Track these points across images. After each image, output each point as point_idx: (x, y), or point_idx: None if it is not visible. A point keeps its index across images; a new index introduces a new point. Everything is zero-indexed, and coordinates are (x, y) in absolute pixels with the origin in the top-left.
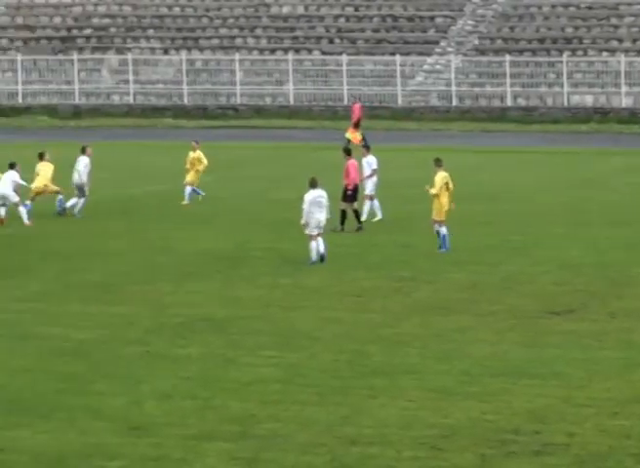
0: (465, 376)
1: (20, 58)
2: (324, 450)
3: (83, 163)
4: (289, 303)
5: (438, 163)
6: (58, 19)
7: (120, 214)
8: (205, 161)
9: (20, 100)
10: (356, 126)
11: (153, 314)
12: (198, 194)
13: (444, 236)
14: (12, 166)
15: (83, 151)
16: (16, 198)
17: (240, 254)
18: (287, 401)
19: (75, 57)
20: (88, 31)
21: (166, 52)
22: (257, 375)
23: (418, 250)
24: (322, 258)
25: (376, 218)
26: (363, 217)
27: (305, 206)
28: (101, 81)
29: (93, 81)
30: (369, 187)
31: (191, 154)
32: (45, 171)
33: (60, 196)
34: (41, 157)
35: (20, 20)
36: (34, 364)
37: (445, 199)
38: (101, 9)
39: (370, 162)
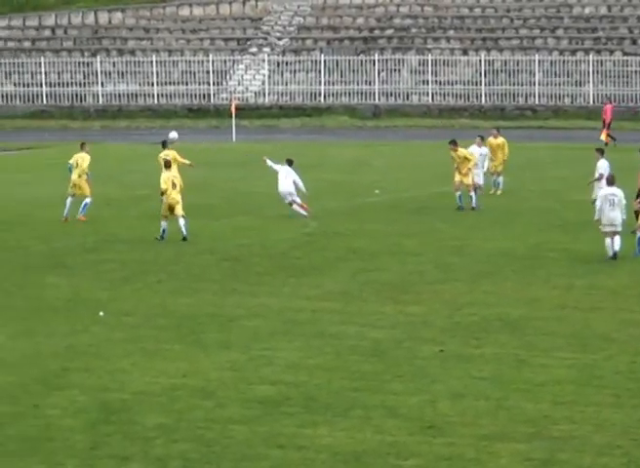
0: None
1: (323, 58)
2: (620, 453)
3: None
4: (585, 304)
5: None
6: (360, 20)
7: (416, 213)
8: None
9: (322, 100)
10: (608, 126)
11: (448, 314)
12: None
13: None
14: (290, 162)
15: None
16: (295, 197)
17: (535, 255)
18: (582, 402)
19: (376, 57)
20: (389, 32)
21: (465, 52)
22: (551, 376)
23: None
24: (614, 256)
25: None
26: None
27: (598, 202)
28: (401, 81)
29: (392, 81)
30: (595, 192)
31: (492, 141)
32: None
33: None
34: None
35: (324, 21)
36: (331, 362)
37: None
38: (403, 9)
39: (599, 166)
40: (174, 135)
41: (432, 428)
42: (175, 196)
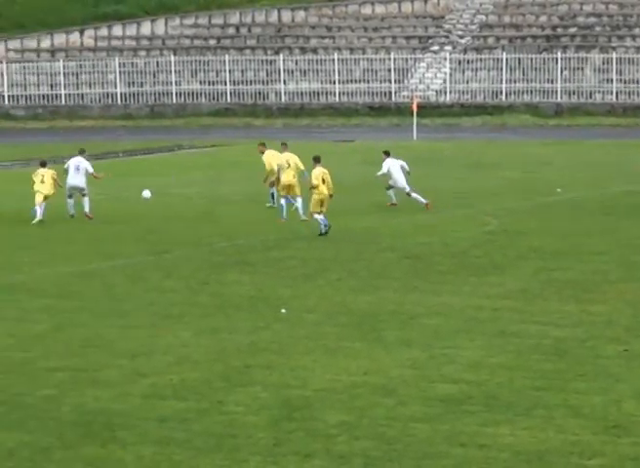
0: None
1: (505, 56)
2: None
3: None
4: None
5: None
6: (543, 18)
7: (599, 212)
8: None
9: (503, 99)
10: None
11: (632, 313)
12: None
13: None
14: (388, 153)
15: None
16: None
17: None
18: None
19: (559, 55)
20: (572, 30)
21: None
22: None
23: None
24: None
25: None
26: None
27: None
28: (584, 80)
29: (575, 80)
30: None
31: None
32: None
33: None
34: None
35: (506, 19)
36: (513, 361)
37: None
38: (587, 7)
39: None
40: (146, 194)
41: (617, 428)
42: (325, 191)
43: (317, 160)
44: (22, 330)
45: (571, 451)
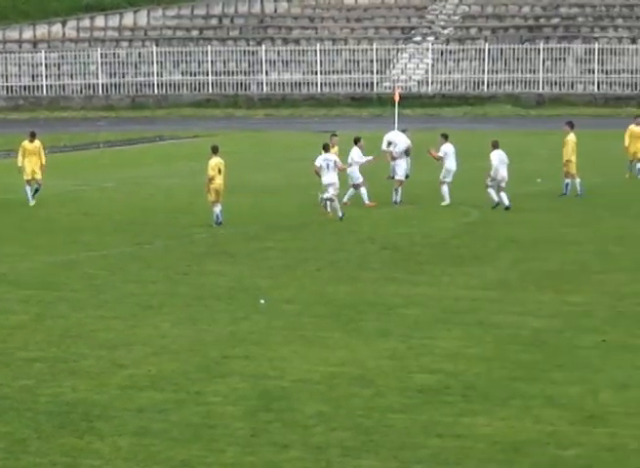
0: None
1: (487, 46)
2: None
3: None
4: None
5: None
6: (526, 9)
7: (578, 202)
8: None
9: (485, 89)
10: None
11: (610, 303)
12: None
13: None
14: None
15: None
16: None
17: None
18: None
19: (541, 46)
20: (555, 20)
21: (634, 41)
22: None
23: None
24: None
25: None
26: None
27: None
28: (566, 70)
29: (557, 70)
30: None
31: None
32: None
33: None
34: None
35: (489, 10)
36: (490, 351)
37: None
38: None
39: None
40: None
41: (593, 418)
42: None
43: (214, 150)
44: (1, 320)
45: (547, 442)
